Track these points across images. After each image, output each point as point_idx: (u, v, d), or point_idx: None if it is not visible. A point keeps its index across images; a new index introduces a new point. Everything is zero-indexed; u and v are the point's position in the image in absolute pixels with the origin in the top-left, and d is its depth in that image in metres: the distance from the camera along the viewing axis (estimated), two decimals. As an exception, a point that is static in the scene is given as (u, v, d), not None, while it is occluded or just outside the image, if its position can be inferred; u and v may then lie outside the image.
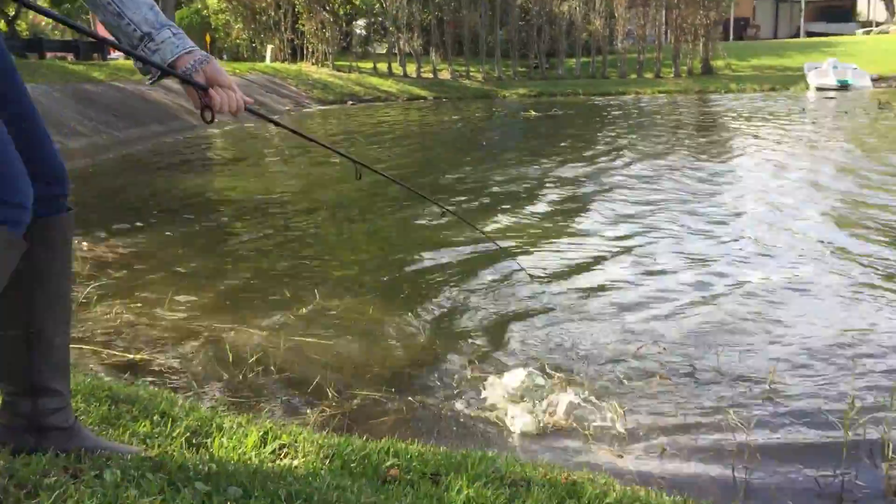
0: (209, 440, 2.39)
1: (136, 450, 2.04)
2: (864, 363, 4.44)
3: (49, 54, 30.01)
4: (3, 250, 1.73)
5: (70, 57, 30.01)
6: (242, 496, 1.74)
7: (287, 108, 28.02)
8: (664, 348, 4.77)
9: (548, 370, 4.44)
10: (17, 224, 1.74)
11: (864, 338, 4.86)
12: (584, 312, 5.51)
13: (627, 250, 7.31)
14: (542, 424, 3.83)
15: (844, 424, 3.59)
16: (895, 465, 3.30)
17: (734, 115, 24.18)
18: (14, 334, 1.95)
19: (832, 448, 3.50)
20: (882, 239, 7.47)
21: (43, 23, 55.56)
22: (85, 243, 7.23)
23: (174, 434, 2.37)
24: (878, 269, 6.41)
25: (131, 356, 4.51)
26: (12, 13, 39.14)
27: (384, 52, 43.44)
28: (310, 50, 41.00)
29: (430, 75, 40.27)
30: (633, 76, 41.72)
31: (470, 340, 5.02)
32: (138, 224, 8.45)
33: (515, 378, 4.18)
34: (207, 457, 2.12)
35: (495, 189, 11.10)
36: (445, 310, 5.63)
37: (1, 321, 1.96)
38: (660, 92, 37.53)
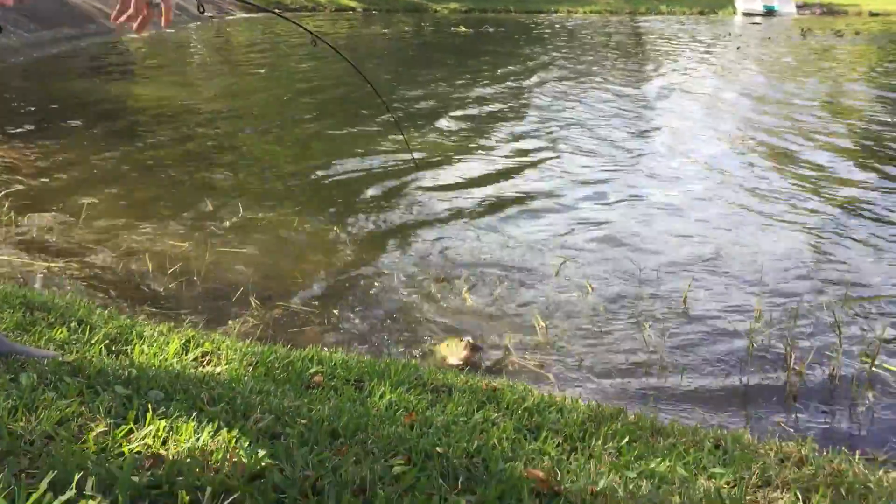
0: (129, 347, 2.36)
1: (53, 354, 2.00)
2: (770, 282, 4.64)
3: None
4: None
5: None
6: (164, 399, 1.73)
7: (210, 14, 26.86)
8: (584, 263, 4.89)
9: (466, 282, 4.50)
10: None
11: (773, 258, 5.07)
12: (504, 227, 5.57)
13: (542, 165, 7.39)
14: (462, 337, 3.90)
15: (750, 337, 3.77)
16: (795, 374, 3.50)
17: (661, 36, 24.35)
18: None
19: (738, 358, 3.69)
20: (777, 164, 7.71)
21: None
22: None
23: (93, 341, 2.33)
24: (781, 192, 6.64)
25: (46, 264, 4.38)
26: None
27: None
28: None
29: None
30: (565, -6, 41.36)
31: (391, 253, 5.03)
32: (52, 130, 8.08)
33: (435, 289, 4.23)
34: (127, 363, 2.10)
35: (418, 104, 10.98)
36: (368, 223, 5.61)
37: None
38: (591, 12, 37.40)
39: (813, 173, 7.39)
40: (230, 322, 3.86)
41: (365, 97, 11.40)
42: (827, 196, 6.57)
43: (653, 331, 3.94)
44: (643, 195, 6.51)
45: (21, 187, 5.80)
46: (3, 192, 5.43)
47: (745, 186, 6.82)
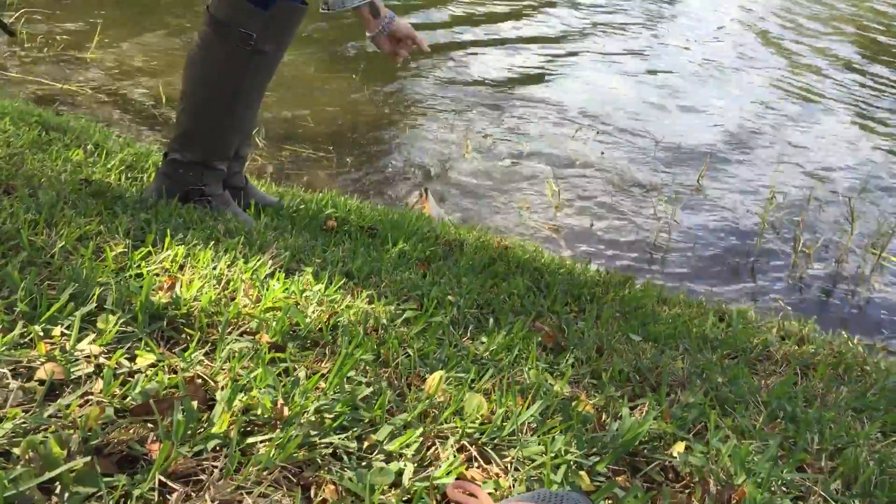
0: (145, 175, 2.36)
1: (274, 200, 2.26)
2: (789, 168, 4.59)
3: None
4: (294, 23, 1.98)
5: None
6: (182, 226, 1.74)
7: None
8: (599, 132, 4.81)
9: (486, 143, 4.46)
10: None
11: (795, 145, 4.99)
12: (522, 91, 5.46)
13: (569, 36, 7.15)
14: (477, 194, 3.89)
15: (763, 216, 3.76)
16: (803, 256, 3.51)
17: None
18: (228, 105, 2.02)
19: (749, 237, 3.69)
20: (811, 47, 7.46)
21: None
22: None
23: (109, 166, 2.32)
24: (803, 72, 6.46)
25: (60, 86, 4.32)
26: None
27: None
28: None
29: None
30: None
31: (407, 110, 4.95)
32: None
33: (451, 150, 4.19)
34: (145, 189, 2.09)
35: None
36: (389, 75, 5.49)
37: (223, 93, 2.01)
38: None
39: (849, 55, 7.15)
40: (244, 160, 3.84)
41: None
42: (860, 84, 6.39)
43: (666, 205, 3.92)
44: (669, 69, 6.33)
45: (35, 9, 5.62)
46: (20, 12, 5.28)
47: (777, 68, 6.62)
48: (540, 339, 1.58)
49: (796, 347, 2.02)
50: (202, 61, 1.96)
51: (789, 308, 3.14)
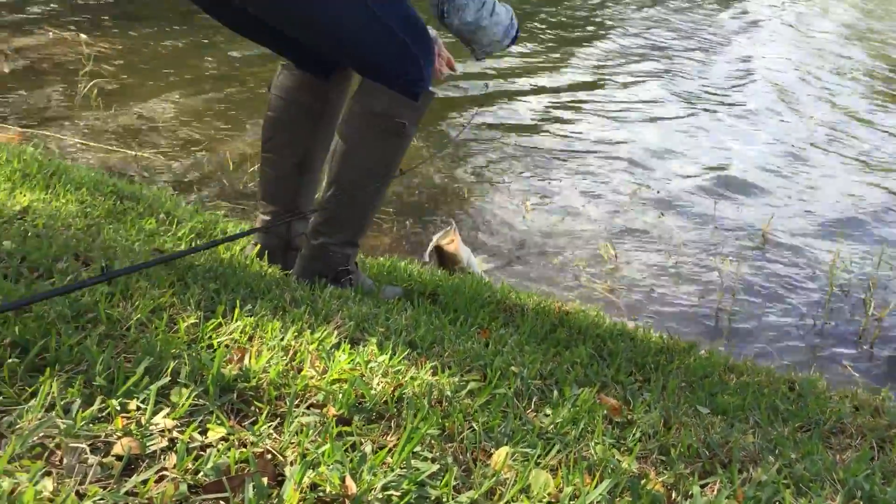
0: (213, 242, 2.42)
1: (371, 283, 2.35)
2: (855, 224, 4.49)
3: None
4: (426, 108, 2.22)
5: None
6: (249, 296, 1.78)
7: None
8: (658, 191, 4.79)
9: (545, 205, 4.47)
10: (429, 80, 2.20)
11: (861, 199, 4.89)
12: (584, 153, 5.47)
13: (627, 89, 7.17)
14: (536, 257, 3.89)
15: (830, 277, 3.67)
16: (874, 320, 3.41)
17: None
18: (294, 162, 2.30)
19: (816, 298, 3.61)
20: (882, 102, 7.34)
21: None
22: (83, 35, 7.00)
23: (179, 234, 2.40)
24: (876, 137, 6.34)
25: (133, 153, 4.49)
26: None
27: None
28: None
29: None
30: None
31: (469, 172, 5.01)
32: (139, 21, 8.16)
33: (508, 210, 4.22)
34: (213, 258, 2.15)
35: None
36: (447, 139, 5.58)
37: (283, 151, 2.30)
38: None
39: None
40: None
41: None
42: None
43: (728, 263, 3.86)
44: (725, 120, 6.29)
45: (107, 78, 5.89)
46: (93, 82, 5.53)
47: (841, 121, 6.53)
48: (605, 411, 1.56)
49: (871, 419, 1.95)
50: (358, 150, 2.15)
51: (857, 375, 3.04)
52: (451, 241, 2.98)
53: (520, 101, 6.53)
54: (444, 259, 2.94)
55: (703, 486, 1.30)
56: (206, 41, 7.56)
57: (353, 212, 2.20)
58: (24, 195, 2.27)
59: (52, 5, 8.11)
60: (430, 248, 3.08)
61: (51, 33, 6.92)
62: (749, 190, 4.97)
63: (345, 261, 2.22)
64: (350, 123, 2.17)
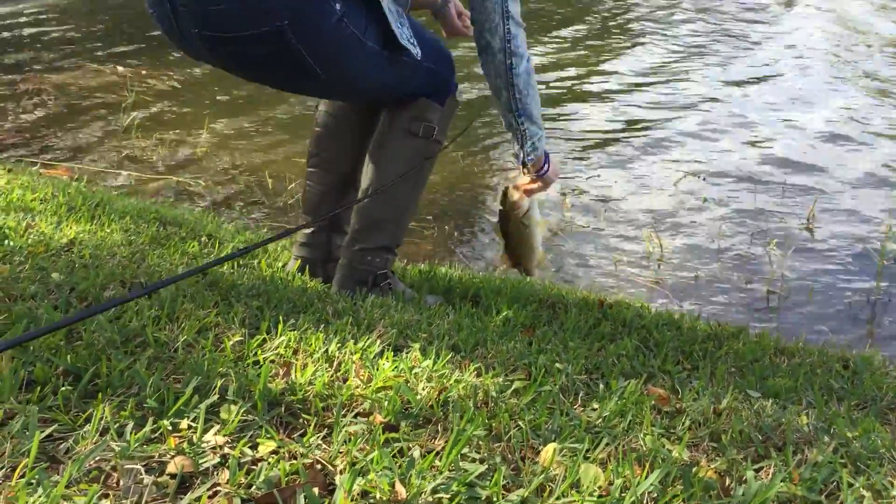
0: (255, 261, 2.47)
1: (411, 292, 2.35)
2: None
3: None
4: (454, 114, 2.35)
5: None
6: (292, 311, 1.81)
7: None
8: (704, 179, 4.73)
9: (583, 197, 4.45)
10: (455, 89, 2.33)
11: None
12: (621, 145, 5.43)
13: (665, 83, 7.09)
14: (578, 251, 3.87)
15: (882, 251, 3.59)
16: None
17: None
18: (338, 177, 2.37)
19: (868, 275, 3.53)
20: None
21: None
22: (119, 68, 7.17)
23: (222, 255, 2.44)
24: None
25: (174, 178, 4.58)
26: None
27: None
28: None
29: None
30: None
31: (507, 169, 5.00)
32: (176, 52, 8.32)
33: (548, 205, 4.20)
34: (255, 276, 2.19)
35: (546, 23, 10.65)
36: (485, 141, 5.58)
37: (329, 168, 2.38)
38: None
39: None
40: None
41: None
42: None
43: (775, 247, 3.80)
44: (767, 100, 6.18)
45: (148, 108, 6.01)
46: (135, 114, 5.65)
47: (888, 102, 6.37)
48: (653, 402, 1.55)
49: (931, 393, 1.90)
50: (387, 155, 2.23)
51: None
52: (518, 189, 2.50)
53: (553, 90, 6.50)
54: (505, 205, 2.48)
55: (756, 471, 1.28)
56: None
57: (388, 216, 2.26)
58: (71, 227, 2.33)
59: (94, 43, 8.31)
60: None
61: (91, 67, 7.09)
62: (794, 171, 4.88)
63: (383, 266, 2.26)
64: (381, 130, 2.26)
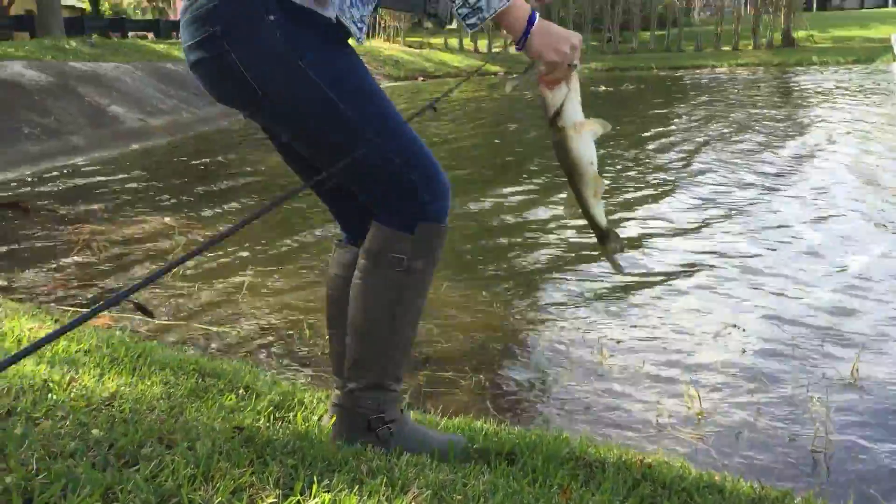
0: (292, 414, 2.48)
1: (459, 438, 2.31)
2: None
3: (131, 34, 30.82)
4: (438, 242, 2.14)
5: (150, 36, 30.77)
6: (327, 469, 1.80)
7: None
8: (744, 330, 4.69)
9: (622, 349, 4.42)
10: (445, 216, 2.13)
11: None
12: (662, 294, 5.44)
13: (704, 231, 7.18)
14: (615, 405, 3.82)
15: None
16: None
17: (816, 89, 23.30)
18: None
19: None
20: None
21: (125, 2, 57.03)
22: (167, 219, 7.47)
23: (258, 408, 2.46)
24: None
25: (214, 329, 4.66)
26: (95, -7, 40.13)
27: (455, 27, 43.36)
28: (382, 26, 41.17)
29: (500, 49, 40.02)
30: (710, 49, 40.58)
31: (542, 320, 5.02)
32: (219, 201, 8.67)
33: (587, 358, 4.18)
34: (291, 431, 2.20)
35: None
36: (518, 288, 5.64)
37: (342, 323, 2.23)
38: (738, 65, 36.37)
39: None
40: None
41: (519, 160, 11.58)
42: None
43: (818, 402, 3.71)
44: (823, 261, 6.16)
45: (197, 256, 6.20)
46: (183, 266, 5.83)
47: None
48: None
49: None
50: (362, 290, 2.14)
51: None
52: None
53: (585, 241, 6.60)
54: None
55: None
56: (280, 216, 7.95)
57: (372, 352, 2.17)
58: (112, 380, 2.38)
59: (144, 194, 8.69)
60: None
61: (140, 218, 7.39)
62: (837, 319, 4.82)
63: (376, 407, 2.18)
64: (357, 266, 2.18)
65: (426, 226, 2.08)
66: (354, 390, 2.18)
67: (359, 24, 2.12)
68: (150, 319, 4.79)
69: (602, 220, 2.12)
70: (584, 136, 1.91)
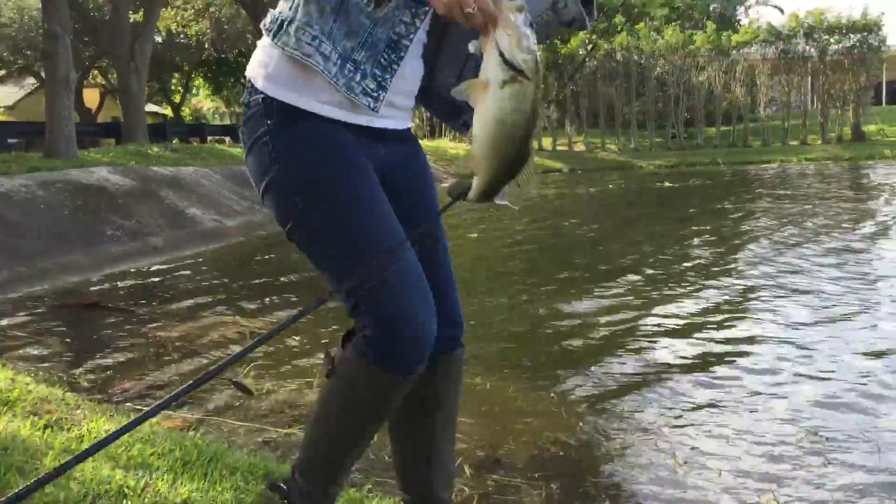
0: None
1: None
2: None
3: (209, 138, 32.33)
4: (389, 393, 1.99)
5: (228, 140, 32.21)
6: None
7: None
8: (824, 436, 4.49)
9: (695, 450, 4.27)
10: (407, 362, 1.90)
11: None
12: (741, 399, 5.28)
13: (773, 326, 6.99)
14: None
15: None
16: None
17: (883, 184, 22.73)
18: (416, 454, 2.29)
19: None
20: None
21: (204, 108, 60.18)
22: (238, 318, 7.63)
23: None
24: None
25: (282, 430, 4.68)
26: (178, 101, 42.54)
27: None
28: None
29: (566, 147, 40.50)
30: (777, 144, 40.30)
31: (614, 422, 4.90)
32: (291, 299, 8.83)
33: (658, 464, 4.05)
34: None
35: (622, 260, 10.89)
36: (588, 388, 5.54)
37: (405, 442, 2.32)
38: (807, 160, 35.97)
39: None
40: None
41: (592, 260, 11.56)
42: None
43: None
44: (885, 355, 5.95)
45: (261, 359, 6.30)
46: (250, 365, 5.93)
47: None
48: None
49: None
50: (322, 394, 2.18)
51: None
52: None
53: (653, 341, 6.48)
54: None
55: None
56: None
57: (315, 439, 2.20)
58: (185, 485, 2.40)
59: (218, 295, 8.94)
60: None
61: (215, 319, 7.58)
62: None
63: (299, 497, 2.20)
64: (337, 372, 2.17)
65: (378, 370, 1.94)
66: (293, 465, 2.27)
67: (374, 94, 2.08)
68: (222, 420, 4.83)
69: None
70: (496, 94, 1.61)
